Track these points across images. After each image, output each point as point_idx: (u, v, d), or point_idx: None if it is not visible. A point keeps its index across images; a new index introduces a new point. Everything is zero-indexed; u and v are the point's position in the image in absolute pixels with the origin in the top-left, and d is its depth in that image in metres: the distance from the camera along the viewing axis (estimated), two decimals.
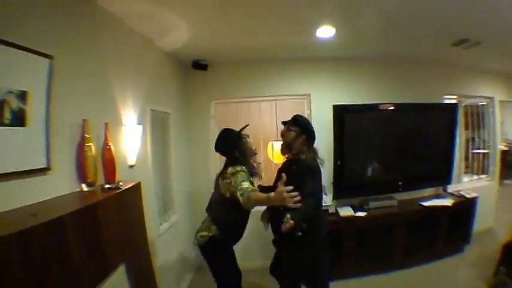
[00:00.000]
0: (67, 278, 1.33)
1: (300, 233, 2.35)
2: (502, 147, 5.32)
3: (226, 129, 2.69)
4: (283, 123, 2.77)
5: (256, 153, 2.75)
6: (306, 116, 2.89)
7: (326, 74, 4.28)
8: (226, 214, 2.47)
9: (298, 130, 2.63)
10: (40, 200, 1.52)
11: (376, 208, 3.98)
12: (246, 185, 2.24)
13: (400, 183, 4.09)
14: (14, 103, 1.40)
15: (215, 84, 4.18)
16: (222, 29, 2.95)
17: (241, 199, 2.18)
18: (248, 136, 2.69)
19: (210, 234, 2.48)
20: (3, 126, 1.35)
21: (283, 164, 2.80)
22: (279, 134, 2.84)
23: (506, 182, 7.34)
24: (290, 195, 1.90)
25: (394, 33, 3.28)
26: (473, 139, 5.53)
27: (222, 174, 2.53)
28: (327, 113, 3.89)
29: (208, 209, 2.66)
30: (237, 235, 2.63)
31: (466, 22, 2.97)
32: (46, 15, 1.65)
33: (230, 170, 2.42)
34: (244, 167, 2.43)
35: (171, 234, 3.31)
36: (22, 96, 1.44)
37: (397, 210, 4.00)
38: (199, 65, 3.95)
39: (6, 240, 1.04)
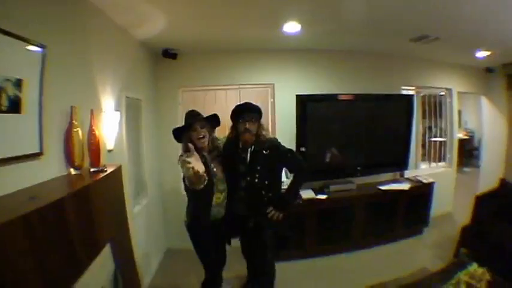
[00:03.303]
0: (68, 257, 1.49)
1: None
2: (461, 136, 5.68)
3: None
4: (242, 119, 2.66)
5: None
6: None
7: (290, 65, 4.61)
8: (188, 198, 2.66)
9: (258, 116, 2.69)
10: (34, 184, 1.65)
11: (336, 191, 4.38)
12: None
13: (358, 168, 4.50)
14: (11, 90, 1.49)
15: (183, 72, 4.44)
16: (192, 20, 3.17)
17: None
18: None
19: (185, 219, 2.72)
20: (1, 113, 1.46)
21: (229, 147, 2.74)
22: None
23: (466, 169, 7.83)
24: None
25: (356, 30, 3.63)
26: (430, 128, 6.05)
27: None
28: (289, 102, 4.18)
29: None
30: (204, 218, 2.57)
31: (426, 19, 3.24)
32: (36, 4, 1.77)
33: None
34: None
35: (143, 216, 3.60)
36: (18, 84, 1.54)
37: (356, 194, 4.41)
38: (169, 54, 4.22)
39: (10, 226, 1.10)
